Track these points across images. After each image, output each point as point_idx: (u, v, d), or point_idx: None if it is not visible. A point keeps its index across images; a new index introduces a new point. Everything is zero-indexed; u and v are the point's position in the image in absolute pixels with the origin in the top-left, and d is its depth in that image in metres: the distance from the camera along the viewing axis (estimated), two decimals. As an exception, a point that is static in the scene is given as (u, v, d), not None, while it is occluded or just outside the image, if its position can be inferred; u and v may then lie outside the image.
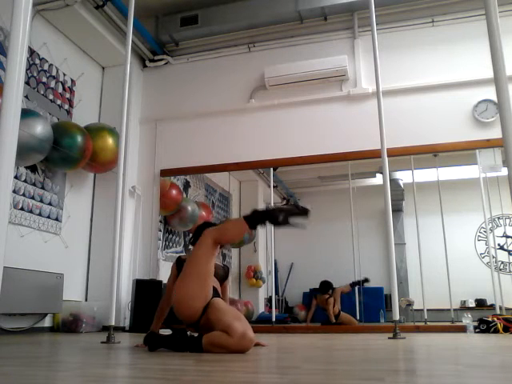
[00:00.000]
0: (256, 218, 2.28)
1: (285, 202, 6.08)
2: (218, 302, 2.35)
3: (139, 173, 5.51)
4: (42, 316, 4.32)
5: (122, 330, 4.82)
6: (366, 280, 5.00)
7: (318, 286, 5.18)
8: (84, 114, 5.13)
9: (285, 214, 2.26)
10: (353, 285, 5.02)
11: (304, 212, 2.28)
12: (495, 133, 4.52)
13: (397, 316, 3.39)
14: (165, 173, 5.44)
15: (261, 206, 6.08)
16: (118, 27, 5.08)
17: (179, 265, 2.58)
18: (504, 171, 4.49)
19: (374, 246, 5.30)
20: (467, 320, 4.04)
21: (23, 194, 4.20)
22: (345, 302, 5.06)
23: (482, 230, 5.02)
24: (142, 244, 5.29)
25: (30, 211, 4.26)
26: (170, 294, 2.64)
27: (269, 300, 5.58)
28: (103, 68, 5.62)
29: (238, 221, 2.40)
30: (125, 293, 4.96)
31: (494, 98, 4.08)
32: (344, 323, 4.89)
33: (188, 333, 2.34)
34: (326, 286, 5.08)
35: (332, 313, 4.93)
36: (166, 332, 2.53)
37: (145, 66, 5.79)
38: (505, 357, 2.07)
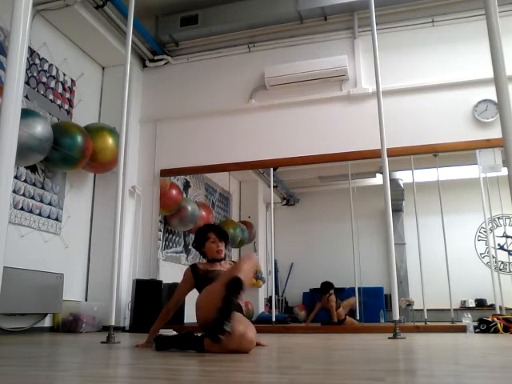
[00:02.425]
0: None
1: (285, 202, 6.09)
2: (236, 317, 2.33)
3: (139, 173, 5.51)
4: (41, 316, 4.32)
5: (122, 330, 4.81)
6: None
7: (317, 286, 5.18)
8: (84, 114, 5.13)
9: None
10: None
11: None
12: (495, 133, 4.52)
13: (397, 316, 3.39)
14: (165, 173, 5.44)
15: (261, 207, 6.09)
16: (118, 27, 5.07)
17: (196, 274, 2.61)
18: (504, 171, 4.49)
19: (374, 246, 5.30)
20: (467, 320, 4.04)
21: (23, 194, 4.19)
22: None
23: (482, 230, 5.02)
24: (141, 244, 5.29)
25: (30, 211, 4.26)
26: (180, 298, 2.69)
27: (269, 300, 5.59)
28: (103, 68, 5.62)
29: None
30: (125, 293, 4.96)
31: (494, 98, 4.08)
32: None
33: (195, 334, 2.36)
34: (326, 287, 5.09)
35: (335, 311, 4.93)
36: (165, 332, 2.54)
37: (145, 65, 5.79)
38: (505, 357, 2.07)
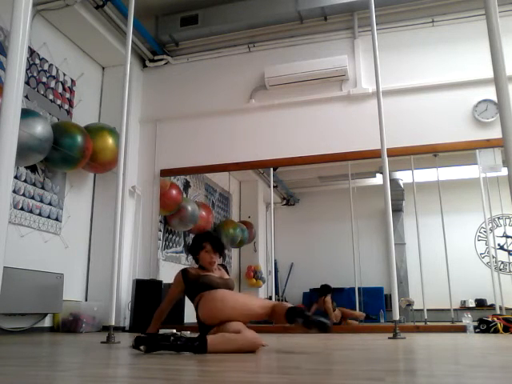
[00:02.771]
0: (294, 315, 2.37)
1: (285, 202, 6.09)
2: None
3: (139, 173, 5.51)
4: (41, 316, 4.32)
5: (122, 330, 4.82)
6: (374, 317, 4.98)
7: (317, 286, 5.18)
8: (84, 114, 5.13)
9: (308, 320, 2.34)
10: (366, 317, 4.99)
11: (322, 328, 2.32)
12: (495, 133, 4.52)
13: (397, 316, 3.39)
14: (165, 173, 5.44)
15: (261, 207, 6.09)
16: (118, 27, 5.07)
17: (186, 278, 2.63)
18: (504, 171, 4.49)
19: (374, 246, 5.30)
20: (467, 320, 4.04)
21: (23, 194, 4.19)
22: (345, 303, 5.06)
23: (482, 230, 5.02)
24: (142, 244, 5.29)
25: (30, 211, 4.26)
26: (171, 301, 2.71)
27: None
28: (103, 68, 5.62)
29: (282, 307, 2.46)
30: (125, 293, 4.96)
31: (494, 98, 4.08)
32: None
33: (178, 333, 2.34)
34: (324, 290, 5.09)
35: (332, 312, 4.92)
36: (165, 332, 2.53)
37: (145, 65, 5.79)
38: (505, 357, 2.07)
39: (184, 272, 2.67)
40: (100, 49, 5.24)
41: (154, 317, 2.74)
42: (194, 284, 2.58)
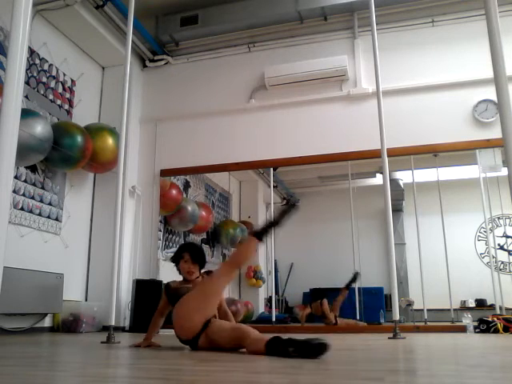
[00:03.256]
0: (261, 233, 2.67)
1: (285, 202, 6.09)
2: (217, 321, 2.46)
3: (139, 173, 5.51)
4: (41, 316, 4.32)
5: (122, 329, 4.81)
6: (356, 275, 4.99)
7: (317, 286, 5.18)
8: (84, 114, 5.12)
9: (279, 219, 2.66)
10: (347, 286, 5.00)
11: (291, 207, 2.66)
12: (495, 133, 4.52)
13: (397, 316, 3.39)
14: (165, 173, 5.44)
15: (261, 207, 6.10)
16: (118, 27, 5.07)
17: (168, 291, 2.67)
18: (504, 171, 4.49)
19: (374, 246, 5.30)
20: (467, 320, 4.04)
21: (23, 194, 4.19)
22: (345, 303, 5.06)
23: (482, 230, 5.02)
24: (142, 244, 5.29)
25: (30, 211, 4.26)
26: (161, 313, 2.77)
27: (269, 300, 5.59)
28: (103, 68, 5.62)
29: (248, 241, 2.70)
30: (125, 293, 4.96)
31: (494, 98, 4.08)
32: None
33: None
34: (318, 294, 5.08)
35: (328, 314, 4.89)
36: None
37: (145, 65, 5.79)
38: (505, 357, 2.07)
39: (166, 286, 2.73)
40: (100, 49, 5.24)
41: (149, 327, 2.80)
42: (173, 297, 2.60)
